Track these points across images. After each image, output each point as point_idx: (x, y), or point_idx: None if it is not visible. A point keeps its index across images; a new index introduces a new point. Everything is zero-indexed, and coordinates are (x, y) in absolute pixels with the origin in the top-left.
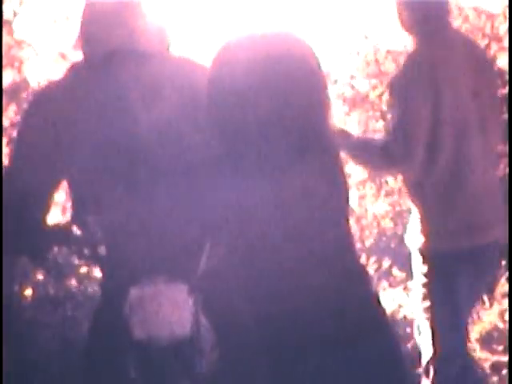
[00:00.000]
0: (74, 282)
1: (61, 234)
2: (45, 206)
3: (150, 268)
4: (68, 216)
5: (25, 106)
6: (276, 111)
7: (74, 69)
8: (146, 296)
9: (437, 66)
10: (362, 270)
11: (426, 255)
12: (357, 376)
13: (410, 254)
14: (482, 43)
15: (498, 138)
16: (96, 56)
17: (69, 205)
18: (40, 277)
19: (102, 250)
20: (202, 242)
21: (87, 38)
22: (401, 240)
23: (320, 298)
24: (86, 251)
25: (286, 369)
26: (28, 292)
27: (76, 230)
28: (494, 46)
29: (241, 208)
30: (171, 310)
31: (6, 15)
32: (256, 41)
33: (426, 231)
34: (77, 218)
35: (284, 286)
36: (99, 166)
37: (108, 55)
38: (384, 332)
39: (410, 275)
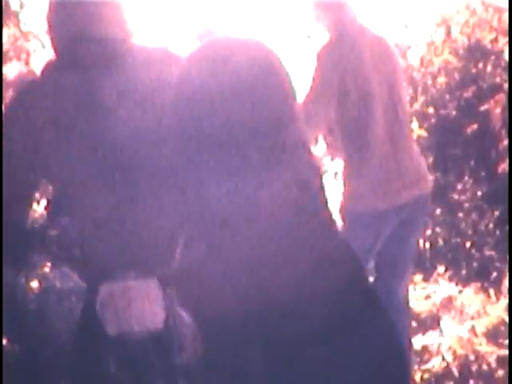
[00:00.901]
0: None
1: (37, 236)
2: (25, 207)
3: (121, 265)
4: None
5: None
6: (244, 117)
7: (49, 66)
8: (115, 292)
9: (345, 53)
10: (354, 259)
11: (345, 216)
12: (354, 362)
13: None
14: (490, 37)
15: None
16: (62, 44)
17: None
18: (46, 269)
19: (76, 250)
20: (175, 237)
21: (61, 38)
22: None
23: (306, 289)
24: (61, 253)
25: (282, 361)
26: (34, 284)
27: (51, 232)
28: (502, 40)
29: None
30: (142, 304)
31: (13, 7)
32: (224, 48)
33: (344, 193)
34: (53, 219)
35: (269, 279)
36: (73, 166)
37: (73, 42)
38: (377, 315)
39: (416, 269)
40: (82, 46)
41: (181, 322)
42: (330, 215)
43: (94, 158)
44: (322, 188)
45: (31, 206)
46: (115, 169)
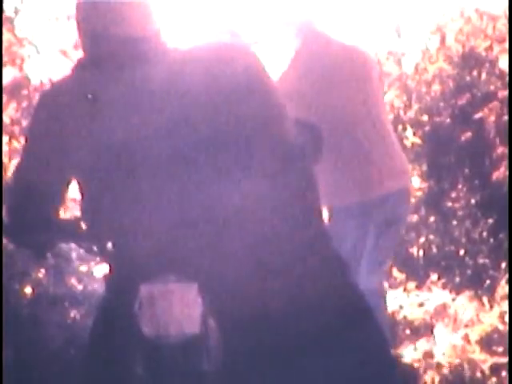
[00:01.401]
0: (73, 281)
1: (69, 229)
2: (54, 202)
3: (159, 266)
4: (77, 212)
5: (34, 102)
6: (230, 121)
7: (79, 67)
8: (156, 294)
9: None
10: (339, 262)
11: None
12: (346, 365)
13: (410, 255)
14: (484, 44)
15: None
16: (98, 55)
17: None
18: (40, 275)
19: (109, 246)
20: (213, 241)
21: (87, 36)
22: (401, 241)
23: (298, 294)
24: (94, 247)
25: (276, 367)
26: (27, 290)
27: (84, 226)
28: (496, 48)
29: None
30: (181, 308)
31: (7, 12)
32: (201, 52)
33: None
34: (85, 214)
35: (261, 285)
36: (106, 164)
37: (111, 55)
38: (366, 319)
39: (409, 276)
40: (108, 44)
41: (210, 328)
42: (323, 223)
43: (127, 156)
44: (316, 195)
45: (62, 201)
46: (151, 169)
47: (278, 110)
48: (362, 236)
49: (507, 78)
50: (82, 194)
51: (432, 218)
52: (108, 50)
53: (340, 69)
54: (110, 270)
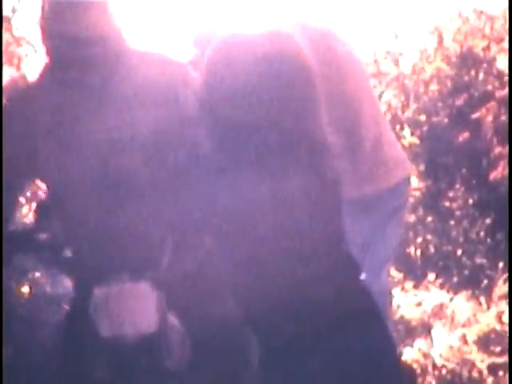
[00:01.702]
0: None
1: (23, 239)
2: (12, 208)
3: (114, 268)
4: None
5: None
6: (270, 112)
7: (42, 69)
8: (110, 295)
9: None
10: (353, 262)
11: None
12: (351, 365)
13: (407, 254)
14: (482, 44)
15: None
16: (52, 46)
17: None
18: (37, 274)
19: (67, 253)
20: (165, 240)
21: (50, 36)
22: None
23: (311, 291)
24: (49, 256)
25: (280, 361)
26: (25, 289)
27: (40, 235)
28: (494, 48)
29: (227, 206)
30: (136, 307)
31: (5, 12)
32: (251, 40)
33: None
34: (41, 222)
35: (276, 278)
36: (65, 169)
37: (62, 43)
38: (375, 320)
39: (407, 276)
40: (72, 46)
41: (170, 326)
42: (342, 222)
43: (87, 160)
44: (339, 192)
45: (18, 208)
46: (107, 172)
47: (318, 107)
48: (372, 229)
49: (505, 78)
50: (39, 201)
51: (429, 218)
52: (72, 52)
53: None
54: (70, 278)
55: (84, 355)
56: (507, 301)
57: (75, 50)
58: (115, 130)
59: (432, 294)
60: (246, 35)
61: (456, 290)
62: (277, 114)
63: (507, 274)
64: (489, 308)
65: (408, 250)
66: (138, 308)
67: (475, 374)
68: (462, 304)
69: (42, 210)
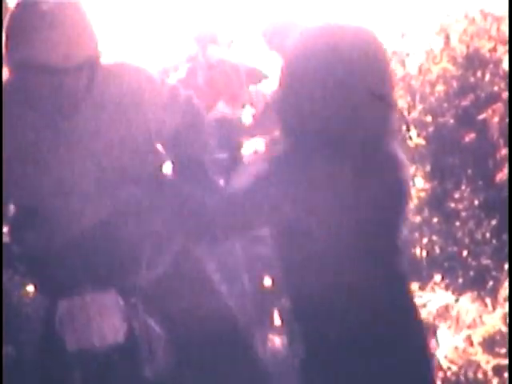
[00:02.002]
0: None
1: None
2: None
3: (78, 279)
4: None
5: None
6: (343, 108)
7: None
8: (74, 308)
9: None
10: (406, 276)
11: None
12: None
13: (413, 256)
14: (488, 45)
15: None
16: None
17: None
18: None
19: (37, 264)
20: (140, 247)
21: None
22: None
23: (363, 296)
24: (22, 267)
25: (323, 362)
26: (30, 288)
27: (13, 247)
28: (501, 49)
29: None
30: (101, 318)
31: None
32: (335, 33)
33: None
34: (14, 233)
35: (332, 279)
36: (34, 178)
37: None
38: (419, 339)
39: (413, 277)
40: (30, 74)
41: (150, 332)
42: (400, 236)
43: (59, 173)
44: (404, 206)
45: None
46: (79, 183)
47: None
48: None
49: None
50: (12, 212)
51: (435, 219)
52: (30, 79)
53: None
54: (36, 290)
55: (59, 367)
56: (508, 303)
57: (29, 76)
58: (91, 151)
59: (437, 296)
60: (331, 27)
61: (461, 291)
62: (355, 119)
63: (509, 277)
64: (494, 309)
65: (413, 251)
66: (103, 319)
67: (480, 376)
68: (467, 305)
69: (14, 222)
